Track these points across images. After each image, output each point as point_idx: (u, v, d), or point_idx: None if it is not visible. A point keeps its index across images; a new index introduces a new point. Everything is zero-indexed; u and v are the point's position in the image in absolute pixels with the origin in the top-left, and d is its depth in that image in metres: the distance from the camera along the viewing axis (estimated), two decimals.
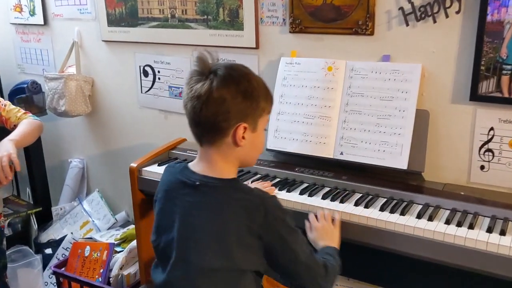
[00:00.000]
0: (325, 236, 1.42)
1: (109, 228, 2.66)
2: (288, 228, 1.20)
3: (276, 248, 1.18)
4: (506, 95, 1.58)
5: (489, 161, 1.67)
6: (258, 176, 1.85)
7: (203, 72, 1.16)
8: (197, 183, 1.20)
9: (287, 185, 1.74)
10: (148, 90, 2.48)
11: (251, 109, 1.17)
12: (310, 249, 1.26)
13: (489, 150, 1.66)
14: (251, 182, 1.78)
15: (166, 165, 1.39)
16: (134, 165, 1.97)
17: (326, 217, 1.48)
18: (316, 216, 1.50)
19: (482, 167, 1.69)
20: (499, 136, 1.64)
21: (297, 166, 1.84)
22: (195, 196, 1.20)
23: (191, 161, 1.28)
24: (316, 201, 1.61)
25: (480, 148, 1.67)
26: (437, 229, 1.40)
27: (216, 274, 1.18)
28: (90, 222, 2.71)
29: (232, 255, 1.16)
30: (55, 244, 2.66)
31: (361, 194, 1.64)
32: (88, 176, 2.93)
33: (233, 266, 1.17)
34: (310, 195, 1.65)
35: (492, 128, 1.64)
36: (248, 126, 1.17)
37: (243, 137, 1.17)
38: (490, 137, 1.65)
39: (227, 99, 1.13)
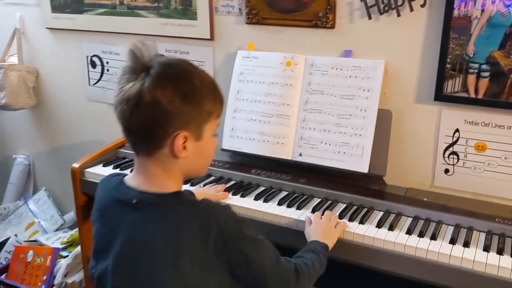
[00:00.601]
0: (322, 232, 1.34)
1: (56, 230, 2.52)
2: (248, 240, 1.05)
3: (239, 264, 1.03)
4: (472, 95, 1.51)
5: (453, 165, 1.60)
6: (212, 178, 1.74)
7: (135, 70, 0.98)
8: (134, 200, 1.03)
9: (242, 188, 1.64)
10: (97, 82, 2.31)
11: (194, 114, 1.00)
12: (276, 255, 1.11)
13: (454, 153, 1.59)
14: (203, 185, 1.66)
15: (101, 178, 1.17)
16: (76, 165, 1.81)
17: (332, 218, 1.41)
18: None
19: (446, 171, 1.62)
20: (464, 139, 1.57)
21: (254, 168, 1.74)
22: (135, 214, 1.03)
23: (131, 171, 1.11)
24: (271, 207, 1.52)
25: (445, 150, 1.61)
26: (398, 240, 1.33)
27: None
28: (36, 223, 2.56)
29: (187, 279, 0.99)
30: None
31: (319, 199, 1.57)
32: (34, 173, 2.76)
33: None
34: (265, 201, 1.56)
35: (457, 130, 1.57)
36: (190, 134, 1.00)
37: (184, 147, 1.00)
38: (455, 139, 1.58)
39: (162, 102, 0.95)
